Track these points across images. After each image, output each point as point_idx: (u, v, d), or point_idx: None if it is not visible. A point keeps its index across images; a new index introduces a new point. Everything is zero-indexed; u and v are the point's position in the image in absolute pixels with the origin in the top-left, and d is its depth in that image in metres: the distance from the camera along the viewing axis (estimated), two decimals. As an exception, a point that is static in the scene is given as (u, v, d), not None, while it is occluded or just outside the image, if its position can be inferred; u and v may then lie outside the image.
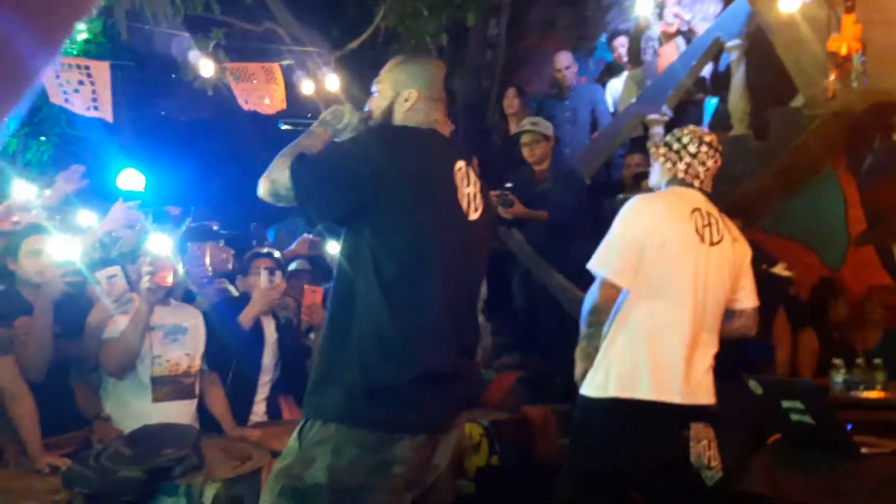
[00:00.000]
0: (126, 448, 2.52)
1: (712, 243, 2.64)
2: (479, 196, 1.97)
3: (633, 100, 6.30)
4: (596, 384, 2.54)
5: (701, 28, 6.24)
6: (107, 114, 5.23)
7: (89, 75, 5.11)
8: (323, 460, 1.72)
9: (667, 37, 6.31)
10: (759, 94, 5.62)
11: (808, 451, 2.41)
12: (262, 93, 6.00)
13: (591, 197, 5.34)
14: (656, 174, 2.80)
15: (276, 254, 3.91)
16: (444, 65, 2.13)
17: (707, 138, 2.74)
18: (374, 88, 2.08)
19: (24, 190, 3.81)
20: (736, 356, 3.44)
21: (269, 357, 3.56)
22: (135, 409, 2.99)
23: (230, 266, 4.14)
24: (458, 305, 1.91)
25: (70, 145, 7.83)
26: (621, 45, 6.66)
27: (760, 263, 3.87)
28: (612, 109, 6.59)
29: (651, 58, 6.53)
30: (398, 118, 2.00)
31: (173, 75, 7.52)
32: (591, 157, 5.78)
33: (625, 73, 6.67)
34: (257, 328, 3.54)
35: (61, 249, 2.99)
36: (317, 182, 1.81)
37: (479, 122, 7.13)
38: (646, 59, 6.58)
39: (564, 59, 6.43)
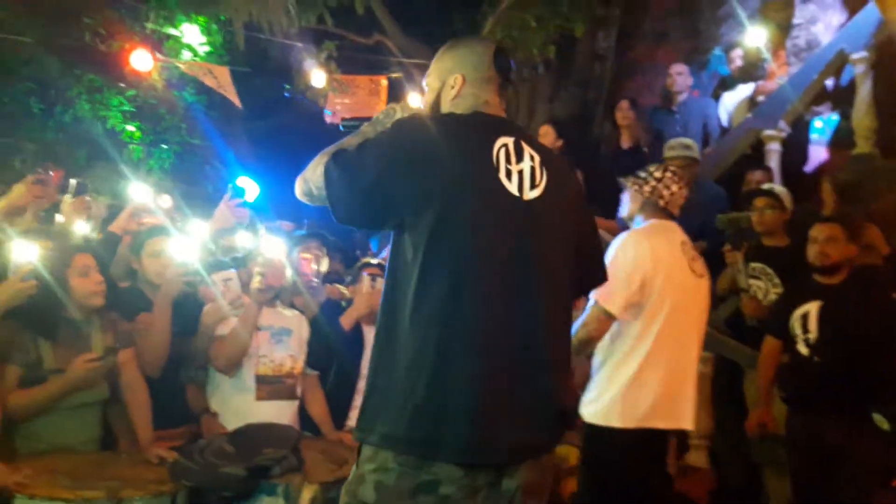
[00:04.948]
0: (229, 445, 2.58)
1: (700, 276, 2.96)
2: (540, 170, 1.74)
3: (749, 115, 6.05)
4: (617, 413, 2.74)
5: (824, 39, 5.95)
6: (235, 100, 5.60)
7: (212, 74, 5.45)
8: (371, 477, 1.64)
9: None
10: (886, 110, 5.28)
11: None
12: (359, 106, 6.16)
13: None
14: (628, 203, 3.06)
15: (384, 262, 3.97)
16: (492, 43, 1.92)
17: (672, 167, 3.11)
18: (424, 83, 1.97)
19: (147, 194, 4.00)
20: (859, 389, 3.24)
21: (367, 363, 3.59)
22: (239, 406, 3.07)
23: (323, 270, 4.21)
24: (520, 304, 1.65)
25: (189, 154, 8.22)
26: (739, 56, 6.43)
27: (889, 290, 3.63)
28: (725, 124, 6.35)
29: (763, 73, 6.29)
30: (445, 107, 1.87)
31: (286, 86, 7.78)
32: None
33: (740, 87, 6.42)
34: (358, 334, 3.59)
35: (180, 251, 3.12)
36: (346, 185, 1.68)
37: (585, 134, 7.02)
38: (758, 75, 6.34)
39: (679, 69, 6.33)
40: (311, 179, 1.75)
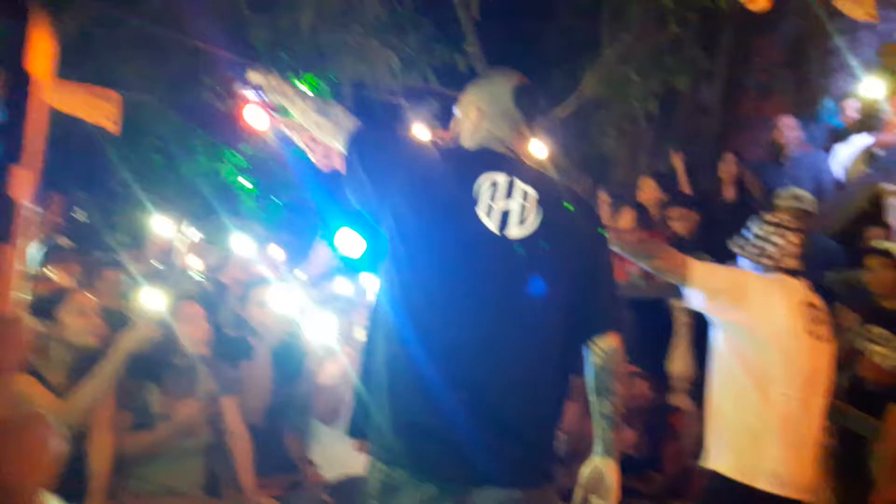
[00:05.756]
0: (328, 497, 2.61)
1: (819, 338, 2.76)
2: (536, 210, 1.75)
3: (867, 168, 5.77)
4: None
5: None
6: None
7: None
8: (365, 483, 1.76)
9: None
10: None
11: None
12: None
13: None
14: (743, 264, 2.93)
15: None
16: (516, 76, 1.96)
17: (768, 218, 2.91)
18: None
19: (255, 246, 4.17)
20: None
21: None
22: (339, 457, 3.09)
23: None
24: (491, 331, 1.67)
25: (299, 207, 8.52)
26: (853, 107, 6.16)
27: None
28: (840, 178, 6.07)
29: (880, 124, 6.00)
30: (464, 139, 1.94)
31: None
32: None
33: (854, 139, 6.14)
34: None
35: (282, 301, 3.22)
36: (357, 168, 1.88)
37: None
38: (874, 126, 6.05)
39: (788, 122, 6.11)
40: (335, 133, 1.99)
